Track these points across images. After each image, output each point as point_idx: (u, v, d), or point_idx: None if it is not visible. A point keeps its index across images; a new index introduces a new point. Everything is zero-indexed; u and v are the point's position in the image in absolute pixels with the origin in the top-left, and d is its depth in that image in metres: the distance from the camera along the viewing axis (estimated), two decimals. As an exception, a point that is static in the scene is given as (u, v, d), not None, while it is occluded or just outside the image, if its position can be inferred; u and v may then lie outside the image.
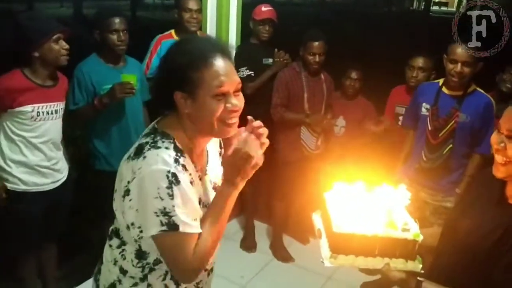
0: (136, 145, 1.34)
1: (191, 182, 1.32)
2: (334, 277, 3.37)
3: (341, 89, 3.58)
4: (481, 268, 1.33)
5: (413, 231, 1.38)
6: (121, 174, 1.34)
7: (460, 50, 2.53)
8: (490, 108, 2.63)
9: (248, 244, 3.70)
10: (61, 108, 2.49)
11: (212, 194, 1.45)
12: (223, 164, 1.37)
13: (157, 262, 1.38)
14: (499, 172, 1.34)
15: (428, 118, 2.72)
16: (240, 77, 3.82)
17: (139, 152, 1.29)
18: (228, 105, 1.30)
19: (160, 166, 1.25)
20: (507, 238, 1.29)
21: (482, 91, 2.69)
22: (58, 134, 2.54)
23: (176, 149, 1.30)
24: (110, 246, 1.46)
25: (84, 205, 2.98)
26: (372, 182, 1.53)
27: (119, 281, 1.43)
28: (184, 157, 1.32)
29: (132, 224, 1.32)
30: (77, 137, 3.04)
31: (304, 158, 3.37)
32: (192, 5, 3.23)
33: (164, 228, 1.25)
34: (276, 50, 3.49)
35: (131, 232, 1.34)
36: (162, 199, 1.24)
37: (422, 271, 1.38)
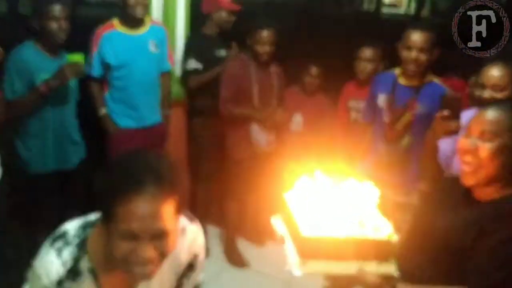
0: (63, 228, 1.27)
1: None
2: (293, 282, 3.21)
3: (299, 85, 3.50)
4: (456, 263, 1.35)
5: (386, 231, 1.27)
6: None
7: (415, 36, 2.46)
8: None
9: (200, 250, 3.50)
10: None
11: None
12: None
13: None
14: (469, 179, 1.39)
15: (384, 110, 2.65)
16: (186, 70, 3.64)
17: (54, 240, 1.24)
18: (137, 253, 1.08)
19: (42, 274, 1.21)
20: (482, 233, 1.32)
21: (438, 81, 2.63)
22: None
23: (72, 271, 1.20)
24: None
25: (16, 214, 2.70)
26: (336, 176, 1.41)
27: None
28: (75, 281, 1.20)
29: None
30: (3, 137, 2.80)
31: (255, 155, 3.22)
32: None
33: None
34: (234, 43, 3.35)
35: None
36: None
37: (397, 274, 1.28)
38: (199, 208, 3.56)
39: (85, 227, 1.25)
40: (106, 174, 1.13)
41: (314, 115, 3.45)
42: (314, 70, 3.43)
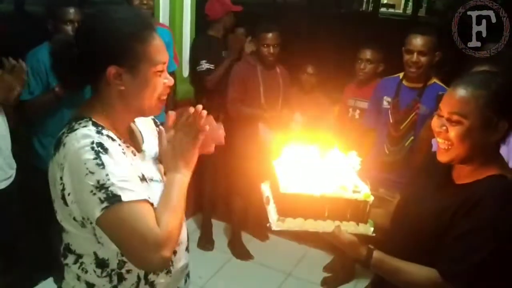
0: (55, 141, 1.21)
1: (124, 153, 1.18)
2: (294, 274, 3.34)
3: (297, 84, 3.56)
4: (431, 244, 1.35)
5: (363, 192, 1.34)
6: (51, 178, 1.20)
7: (415, 40, 2.57)
8: None
9: (206, 242, 3.60)
10: None
11: (157, 169, 1.33)
12: (161, 155, 1.30)
13: (121, 265, 1.22)
14: (443, 156, 1.37)
15: (389, 111, 2.72)
16: (200, 71, 3.68)
17: (58, 144, 1.17)
18: (166, 80, 1.24)
19: (82, 141, 1.12)
20: (457, 215, 1.32)
21: (441, 83, 2.71)
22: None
23: (95, 124, 1.18)
24: (67, 265, 1.30)
25: (27, 211, 2.77)
26: (323, 147, 1.48)
27: None
28: (107, 130, 1.19)
29: (84, 219, 1.15)
30: (20, 135, 2.84)
31: (262, 153, 3.30)
32: None
33: (105, 204, 1.08)
34: (230, 36, 3.43)
35: (88, 230, 1.18)
36: (92, 172, 1.09)
37: (374, 234, 1.35)
38: (206, 203, 3.68)
39: (64, 126, 1.22)
40: (125, 25, 1.16)
41: (312, 112, 3.47)
42: (310, 68, 3.47)
